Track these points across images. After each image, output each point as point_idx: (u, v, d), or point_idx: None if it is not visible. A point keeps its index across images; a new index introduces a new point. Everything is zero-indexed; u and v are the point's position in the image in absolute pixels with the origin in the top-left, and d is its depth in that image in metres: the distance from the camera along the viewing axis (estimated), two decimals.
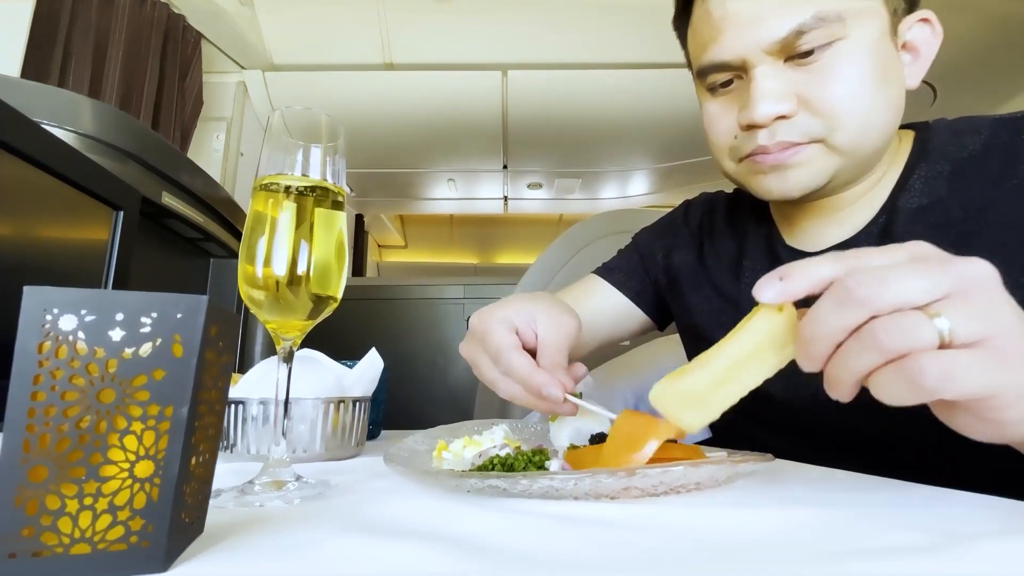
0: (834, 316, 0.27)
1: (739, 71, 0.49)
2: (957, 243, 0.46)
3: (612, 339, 0.74)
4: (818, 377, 0.29)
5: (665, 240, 0.72)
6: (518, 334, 0.46)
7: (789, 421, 0.55)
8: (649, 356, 1.12)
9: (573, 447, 0.40)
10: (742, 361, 0.31)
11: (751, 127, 0.49)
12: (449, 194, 3.30)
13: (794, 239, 0.57)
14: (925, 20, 0.50)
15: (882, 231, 0.51)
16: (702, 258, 0.66)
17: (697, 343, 0.67)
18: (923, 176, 0.51)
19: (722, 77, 0.51)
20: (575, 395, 0.45)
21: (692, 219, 0.71)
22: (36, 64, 1.48)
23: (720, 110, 0.52)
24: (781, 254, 0.57)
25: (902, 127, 0.55)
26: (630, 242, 0.77)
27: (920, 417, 0.33)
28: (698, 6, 0.52)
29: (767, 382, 0.31)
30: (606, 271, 0.74)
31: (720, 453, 0.39)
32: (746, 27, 0.47)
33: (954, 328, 0.25)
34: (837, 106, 0.46)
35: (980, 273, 0.26)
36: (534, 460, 0.38)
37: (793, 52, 0.46)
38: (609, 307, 0.73)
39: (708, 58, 0.50)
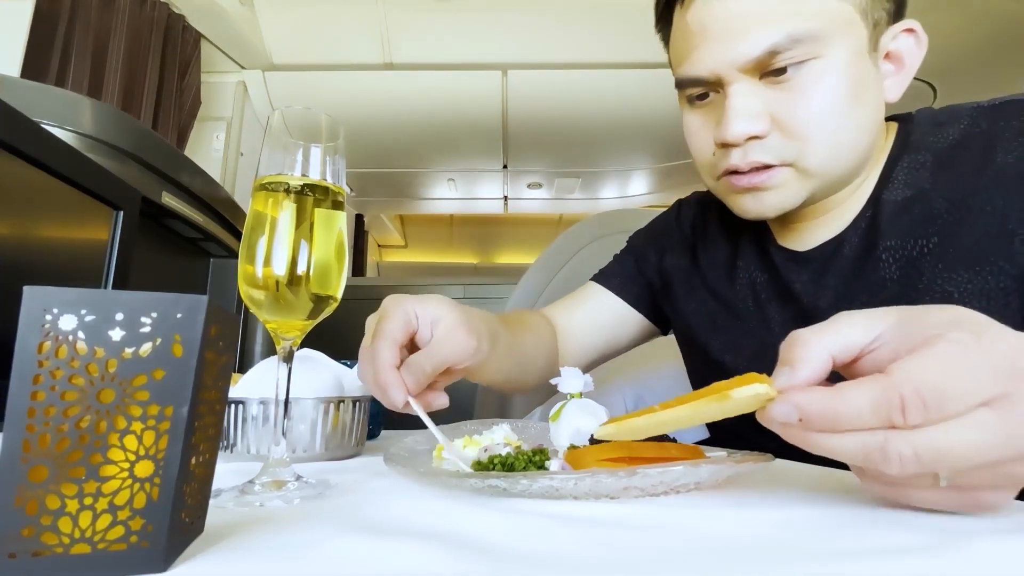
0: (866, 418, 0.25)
1: (715, 86, 0.49)
2: (942, 234, 0.46)
3: (613, 346, 0.74)
4: None
5: (659, 242, 0.72)
6: (416, 331, 0.46)
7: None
8: (649, 356, 1.12)
9: (573, 447, 0.40)
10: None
11: (725, 145, 0.49)
12: (449, 194, 3.30)
13: (785, 239, 0.58)
14: (910, 30, 0.49)
15: (869, 225, 0.51)
16: (696, 260, 0.66)
17: (692, 347, 0.67)
18: (906, 168, 0.51)
19: (698, 91, 0.51)
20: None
21: (684, 219, 0.71)
22: (35, 64, 1.48)
23: (699, 123, 0.52)
24: (773, 254, 0.58)
25: (889, 119, 0.54)
26: (625, 246, 0.77)
27: None
28: (677, 16, 0.51)
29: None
30: (603, 277, 0.74)
31: (720, 453, 0.39)
32: (721, 44, 0.46)
33: None
34: (808, 128, 0.46)
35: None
36: (534, 460, 0.38)
37: (767, 70, 0.46)
38: (607, 313, 0.72)
39: (684, 72, 0.50)
